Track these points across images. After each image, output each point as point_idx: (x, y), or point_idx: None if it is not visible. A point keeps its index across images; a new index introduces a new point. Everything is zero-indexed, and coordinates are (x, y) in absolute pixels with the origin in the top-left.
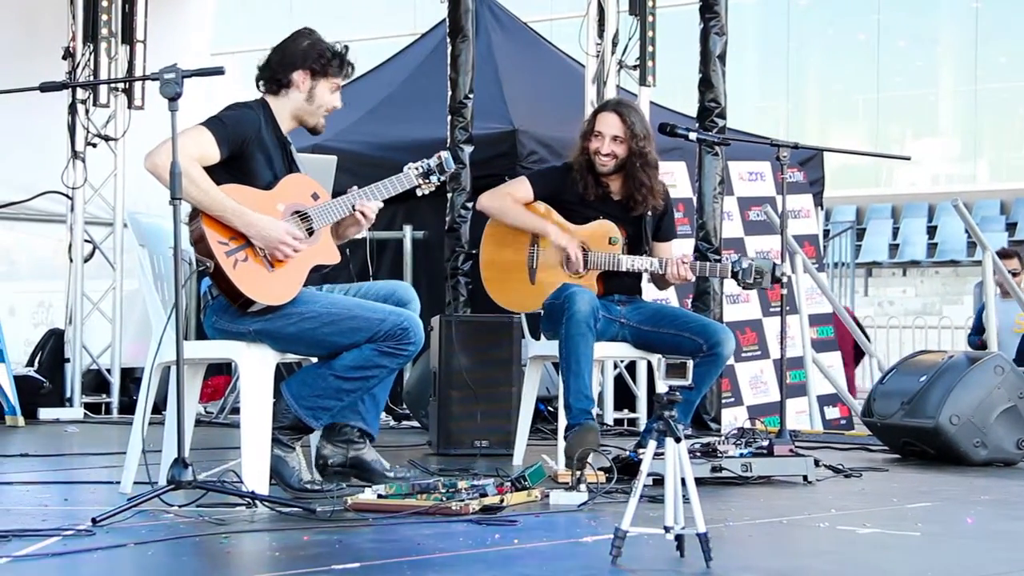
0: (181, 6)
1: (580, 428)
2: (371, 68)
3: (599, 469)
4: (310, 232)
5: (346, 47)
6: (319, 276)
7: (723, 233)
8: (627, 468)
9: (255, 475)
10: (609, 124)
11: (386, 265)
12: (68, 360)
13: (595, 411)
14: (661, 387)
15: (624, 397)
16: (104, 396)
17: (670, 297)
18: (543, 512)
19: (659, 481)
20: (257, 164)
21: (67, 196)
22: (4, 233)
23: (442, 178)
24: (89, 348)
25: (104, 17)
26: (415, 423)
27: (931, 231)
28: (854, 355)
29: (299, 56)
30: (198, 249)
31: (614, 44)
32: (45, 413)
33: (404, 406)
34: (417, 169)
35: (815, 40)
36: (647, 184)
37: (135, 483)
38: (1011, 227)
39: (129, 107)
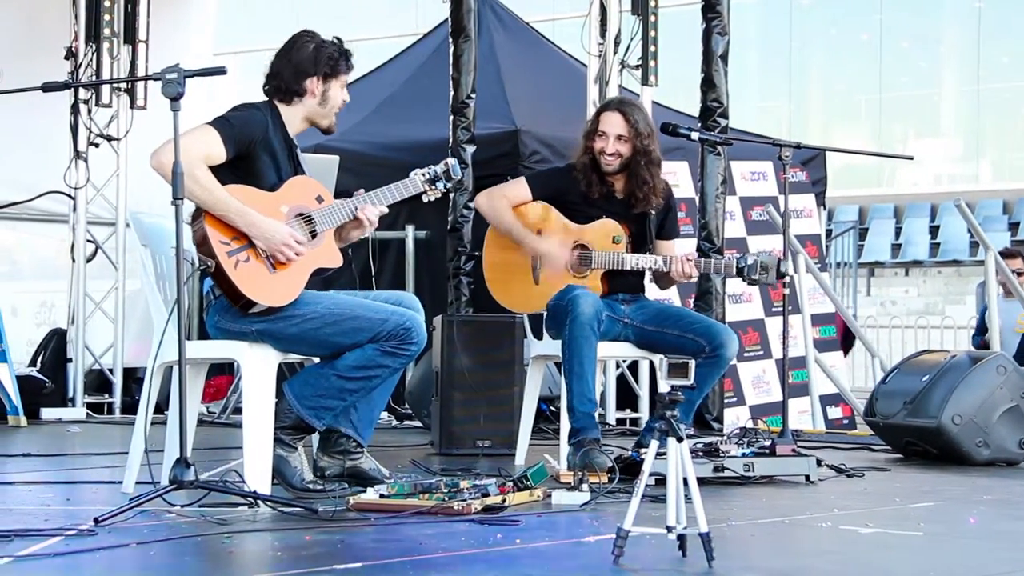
0: (183, 6)
1: (589, 448)
2: (373, 68)
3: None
4: (313, 235)
5: (339, 39)
6: (320, 280)
7: (725, 233)
8: (629, 468)
9: (257, 475)
10: (613, 123)
11: (389, 265)
12: (70, 360)
13: (597, 411)
14: (663, 387)
15: (626, 397)
16: (106, 396)
17: (672, 297)
18: (545, 512)
19: (661, 481)
20: (262, 165)
21: (69, 196)
22: (6, 233)
23: (448, 185)
24: (91, 348)
25: (106, 17)
26: (417, 423)
27: (933, 231)
28: (844, 343)
29: (309, 63)
30: (201, 250)
31: (616, 44)
32: (47, 413)
33: (406, 406)
34: (423, 175)
35: (817, 40)
36: (649, 182)
37: (137, 483)
38: (1013, 227)
39: (131, 107)
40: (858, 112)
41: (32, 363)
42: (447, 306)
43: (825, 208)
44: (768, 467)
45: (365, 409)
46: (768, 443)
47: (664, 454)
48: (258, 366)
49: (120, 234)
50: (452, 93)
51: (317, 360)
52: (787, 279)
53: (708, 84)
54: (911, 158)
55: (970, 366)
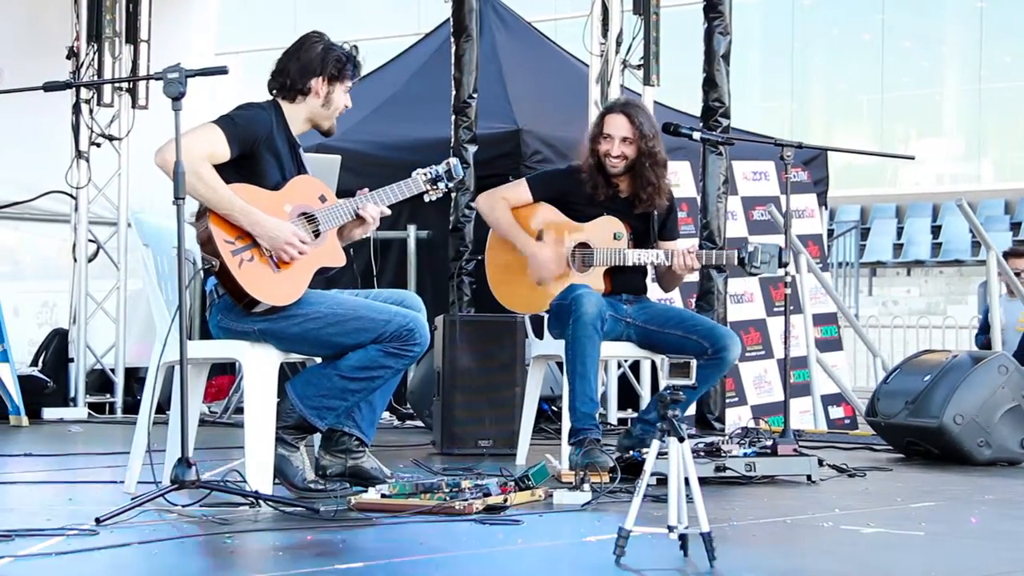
0: (185, 6)
1: (591, 448)
2: (375, 68)
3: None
4: (316, 234)
5: (355, 47)
6: (323, 280)
7: (727, 233)
8: (631, 467)
9: (259, 475)
10: (618, 126)
11: (390, 265)
12: (72, 360)
13: (599, 411)
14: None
15: (628, 396)
16: (108, 396)
17: (674, 297)
18: (546, 512)
19: (663, 480)
20: (266, 165)
21: (71, 196)
22: (8, 233)
23: (450, 185)
24: (93, 348)
25: (108, 17)
26: (419, 423)
27: (935, 231)
28: None
29: (317, 64)
30: (205, 249)
31: (618, 44)
32: (49, 413)
33: (408, 406)
34: (425, 175)
35: (819, 40)
36: (654, 183)
37: (139, 483)
38: (1015, 227)
39: (133, 107)
40: (860, 112)
41: (34, 363)
42: (449, 306)
43: (827, 208)
44: (770, 467)
45: (367, 409)
46: (770, 443)
47: (666, 454)
48: (260, 366)
49: (122, 234)
50: (454, 93)
51: (319, 360)
52: (788, 273)
53: (710, 84)
54: (913, 158)
55: (972, 366)
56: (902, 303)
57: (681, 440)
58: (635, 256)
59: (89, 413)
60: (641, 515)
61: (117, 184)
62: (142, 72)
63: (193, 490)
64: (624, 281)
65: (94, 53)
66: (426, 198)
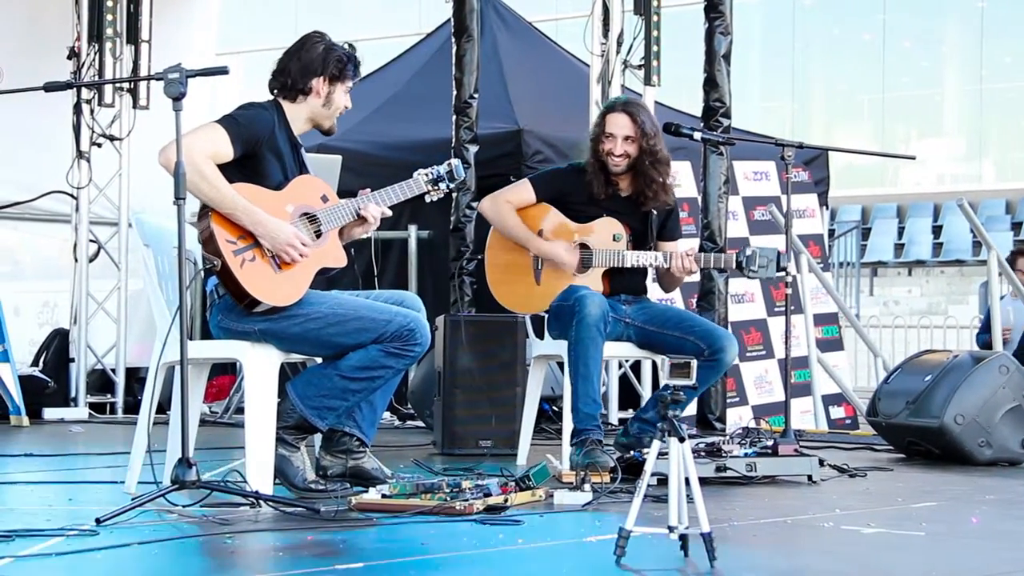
0: (186, 6)
1: (591, 448)
2: (376, 68)
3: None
4: (318, 234)
5: (353, 47)
6: (324, 280)
7: (728, 233)
8: (631, 468)
9: (259, 475)
10: (620, 125)
11: (391, 265)
12: (73, 360)
13: (601, 412)
14: None
15: (628, 397)
16: (108, 396)
17: (674, 297)
18: (547, 512)
19: (663, 481)
20: (268, 165)
21: (72, 196)
22: (9, 233)
23: (452, 185)
24: (94, 348)
25: (109, 17)
26: (419, 423)
27: (936, 231)
28: None
29: (318, 63)
30: (207, 248)
31: (619, 44)
32: (49, 413)
33: (408, 406)
34: (427, 175)
35: (820, 40)
36: (658, 180)
37: (139, 483)
38: (1016, 226)
39: (134, 107)
40: (861, 112)
41: (34, 363)
42: (450, 306)
43: (828, 208)
44: (770, 467)
45: (368, 409)
46: (770, 443)
47: (666, 454)
48: (260, 366)
49: (122, 234)
50: (455, 93)
51: (320, 360)
52: (788, 274)
53: (711, 84)
54: (913, 158)
55: (972, 366)
56: (903, 303)
57: (681, 440)
58: (634, 258)
59: (90, 413)
60: (641, 515)
61: (118, 184)
62: (143, 72)
63: (193, 490)
64: (623, 282)
65: (95, 53)
66: (427, 198)
